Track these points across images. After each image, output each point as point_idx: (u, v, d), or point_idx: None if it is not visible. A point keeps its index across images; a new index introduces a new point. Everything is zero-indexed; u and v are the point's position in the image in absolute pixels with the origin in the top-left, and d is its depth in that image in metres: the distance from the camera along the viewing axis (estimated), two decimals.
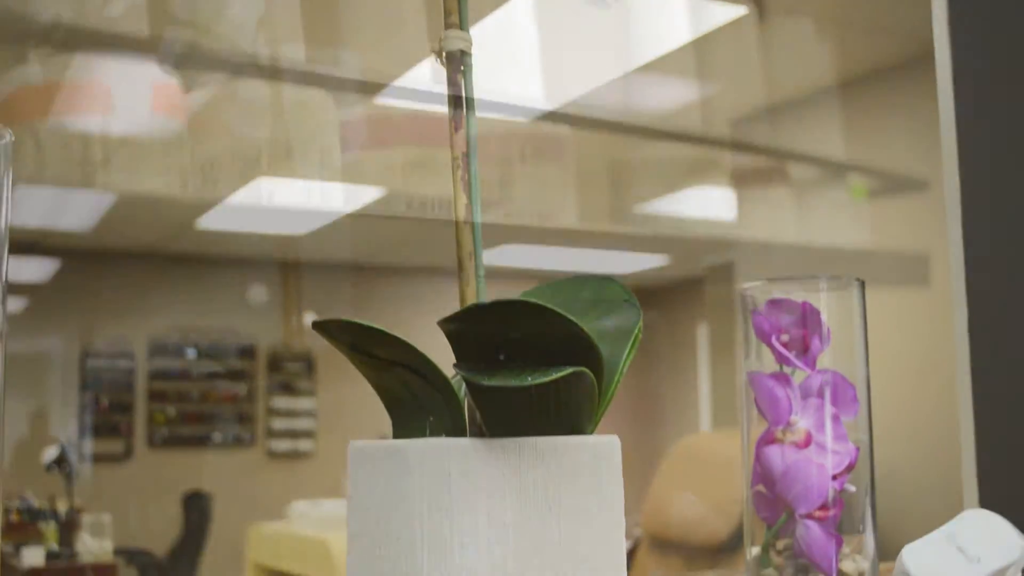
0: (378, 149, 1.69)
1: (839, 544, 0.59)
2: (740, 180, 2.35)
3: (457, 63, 0.54)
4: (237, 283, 4.51)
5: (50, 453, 2.92)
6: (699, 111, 2.31)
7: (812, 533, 0.59)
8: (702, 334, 4.27)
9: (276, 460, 4.62)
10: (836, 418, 0.60)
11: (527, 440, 0.49)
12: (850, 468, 0.60)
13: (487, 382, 0.47)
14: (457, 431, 0.49)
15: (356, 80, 1.73)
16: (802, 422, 0.60)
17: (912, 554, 0.64)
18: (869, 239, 2.50)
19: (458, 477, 0.47)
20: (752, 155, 2.39)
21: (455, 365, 0.49)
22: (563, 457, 0.50)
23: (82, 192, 1.56)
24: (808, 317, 0.62)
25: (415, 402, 0.50)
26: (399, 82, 1.69)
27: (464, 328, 0.48)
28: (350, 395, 4.14)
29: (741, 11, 2.26)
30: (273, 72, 1.58)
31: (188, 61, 1.58)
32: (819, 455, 0.59)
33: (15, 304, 3.95)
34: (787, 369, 0.61)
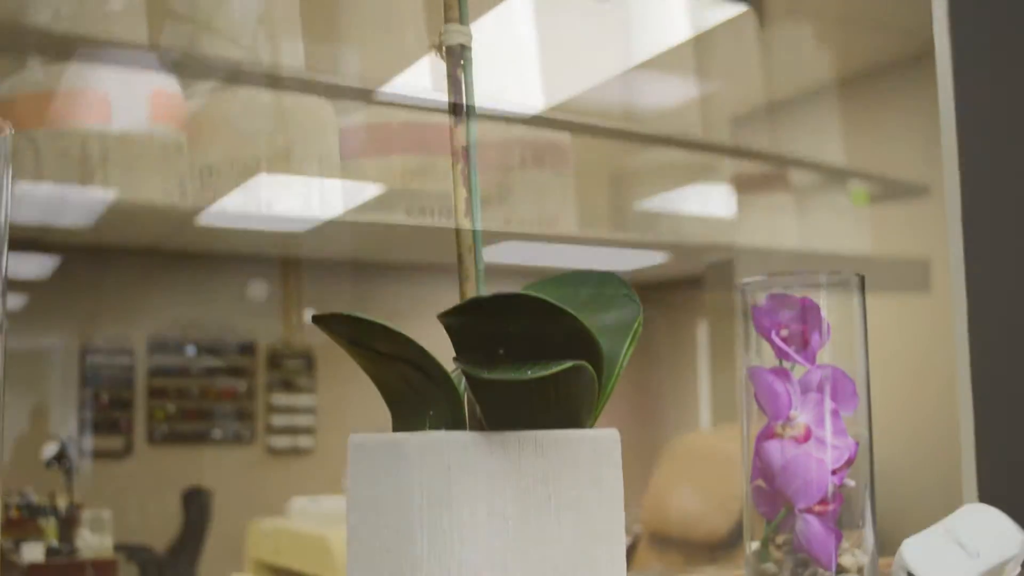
0: (377, 156, 1.69)
1: (838, 539, 0.59)
2: (740, 185, 2.35)
3: (457, 57, 0.54)
4: (237, 280, 4.50)
5: (50, 449, 2.92)
6: (698, 109, 2.30)
7: (812, 528, 0.59)
8: (702, 331, 4.27)
9: (276, 457, 4.62)
10: (836, 413, 0.61)
11: (527, 434, 0.49)
12: (849, 463, 0.60)
13: (487, 376, 0.47)
14: (457, 425, 0.49)
15: (355, 88, 1.73)
16: (802, 417, 0.60)
17: (911, 548, 0.64)
18: (870, 245, 2.50)
19: (458, 470, 0.47)
20: (752, 161, 2.39)
21: (455, 359, 0.49)
22: (563, 450, 0.50)
23: (81, 189, 1.56)
24: (808, 312, 0.62)
25: (415, 396, 0.50)
26: (399, 81, 1.69)
27: (464, 322, 0.48)
28: (350, 392, 4.14)
29: (741, 8, 2.26)
30: (273, 80, 1.58)
31: (186, 68, 1.57)
32: (819, 450, 0.60)
33: (15, 301, 3.95)
34: (787, 364, 0.61)
